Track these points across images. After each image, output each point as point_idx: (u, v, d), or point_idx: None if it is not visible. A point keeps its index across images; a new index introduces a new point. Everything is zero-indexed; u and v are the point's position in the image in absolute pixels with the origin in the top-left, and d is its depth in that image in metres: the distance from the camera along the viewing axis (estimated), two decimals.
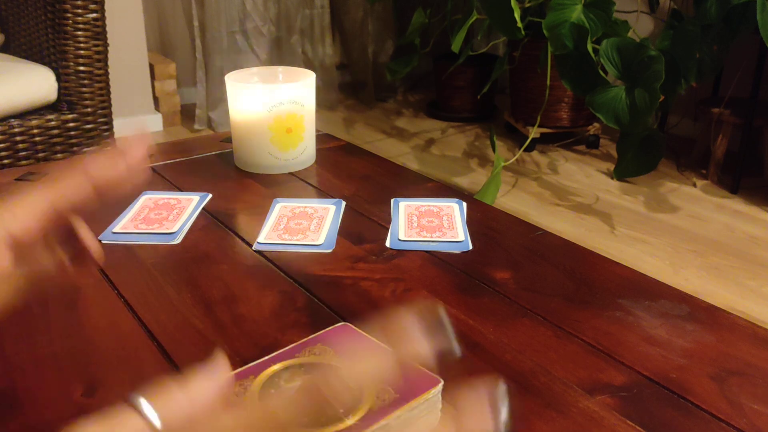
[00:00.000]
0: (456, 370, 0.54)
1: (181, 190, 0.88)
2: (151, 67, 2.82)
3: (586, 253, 0.73)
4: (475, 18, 2.12)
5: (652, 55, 1.88)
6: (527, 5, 2.23)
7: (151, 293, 0.64)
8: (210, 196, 0.87)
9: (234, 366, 0.50)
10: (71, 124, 1.62)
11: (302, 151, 0.96)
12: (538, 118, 2.38)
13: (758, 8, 1.86)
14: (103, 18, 1.61)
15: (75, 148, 1.64)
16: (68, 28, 1.56)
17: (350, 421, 0.43)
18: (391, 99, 3.44)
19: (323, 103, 3.22)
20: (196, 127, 2.91)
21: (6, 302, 0.36)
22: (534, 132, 2.48)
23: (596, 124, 2.69)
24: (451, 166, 2.57)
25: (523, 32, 2.00)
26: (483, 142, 2.80)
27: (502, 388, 0.30)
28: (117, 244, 0.74)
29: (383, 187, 0.91)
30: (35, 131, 1.57)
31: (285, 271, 0.68)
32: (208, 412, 0.28)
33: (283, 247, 0.73)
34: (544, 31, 1.96)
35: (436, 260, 0.71)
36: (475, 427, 0.29)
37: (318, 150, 1.02)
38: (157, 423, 0.27)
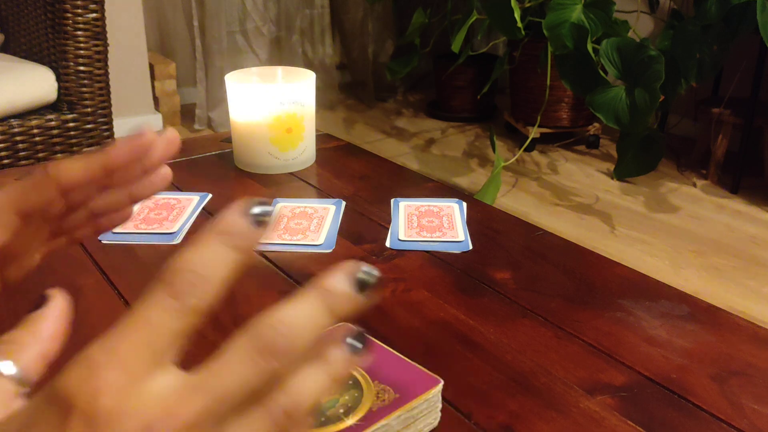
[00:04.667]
0: (456, 370, 0.54)
1: (181, 190, 0.88)
2: (151, 67, 2.82)
3: (586, 253, 0.73)
4: (475, 18, 2.12)
5: (652, 55, 1.88)
6: (527, 5, 2.23)
7: None
8: (210, 196, 0.87)
9: None
10: (71, 124, 1.62)
11: (302, 151, 0.96)
12: (538, 118, 2.38)
13: (758, 8, 1.86)
14: (103, 18, 1.61)
15: (75, 148, 1.64)
16: (68, 28, 1.56)
17: (350, 421, 0.43)
18: (391, 99, 3.44)
19: (323, 103, 3.22)
20: (196, 127, 2.91)
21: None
22: (534, 132, 2.48)
23: (596, 124, 2.69)
24: (451, 166, 2.57)
25: (523, 32, 2.00)
26: (483, 142, 2.80)
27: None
28: (117, 244, 0.74)
29: (383, 187, 0.91)
30: (35, 131, 1.57)
31: (285, 271, 0.68)
32: None
33: (283, 247, 0.73)
34: (544, 31, 1.96)
35: (436, 260, 0.70)
36: None
37: (318, 150, 1.02)
38: None
